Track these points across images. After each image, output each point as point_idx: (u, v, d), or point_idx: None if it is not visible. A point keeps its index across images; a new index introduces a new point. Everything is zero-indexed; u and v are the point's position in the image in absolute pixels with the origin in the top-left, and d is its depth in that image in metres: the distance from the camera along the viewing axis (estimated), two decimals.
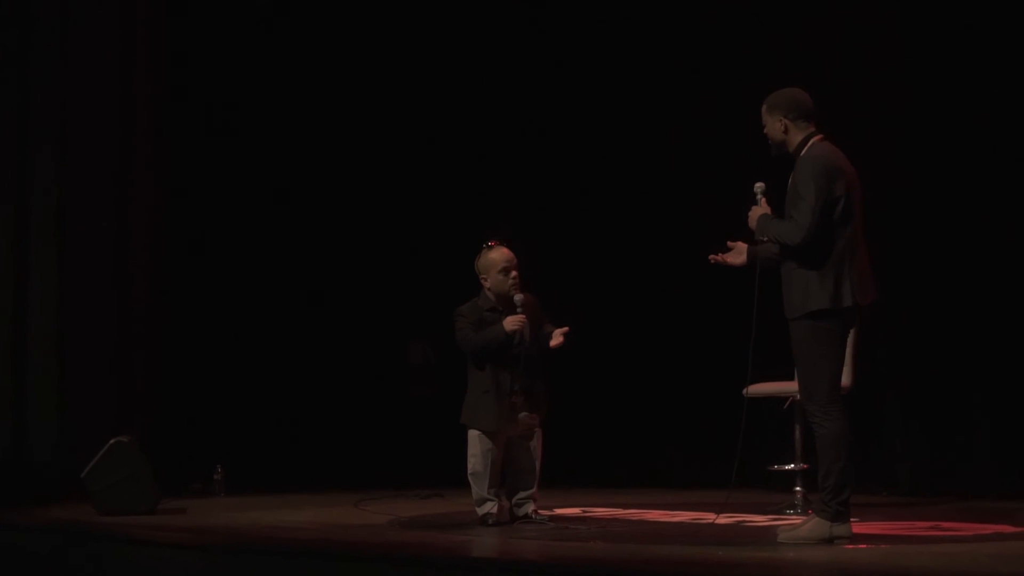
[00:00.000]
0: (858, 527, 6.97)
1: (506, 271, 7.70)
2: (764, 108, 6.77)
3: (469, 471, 7.64)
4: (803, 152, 6.65)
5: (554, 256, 9.94)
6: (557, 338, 7.70)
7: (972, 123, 9.08)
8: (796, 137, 6.68)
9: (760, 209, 6.78)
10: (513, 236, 7.87)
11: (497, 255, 7.74)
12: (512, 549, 6.89)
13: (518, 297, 7.64)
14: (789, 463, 8.24)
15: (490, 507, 7.63)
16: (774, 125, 6.72)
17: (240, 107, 10.60)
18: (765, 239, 6.72)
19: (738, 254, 6.85)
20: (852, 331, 8.22)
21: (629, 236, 10.23)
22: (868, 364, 8.59)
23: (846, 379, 8.31)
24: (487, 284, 7.76)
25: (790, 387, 7.91)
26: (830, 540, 6.50)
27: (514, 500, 7.73)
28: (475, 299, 7.80)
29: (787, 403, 8.19)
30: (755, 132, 6.86)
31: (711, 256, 6.95)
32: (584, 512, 8.34)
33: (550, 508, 8.10)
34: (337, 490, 9.58)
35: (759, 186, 6.82)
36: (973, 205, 9.08)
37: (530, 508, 7.68)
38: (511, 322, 7.59)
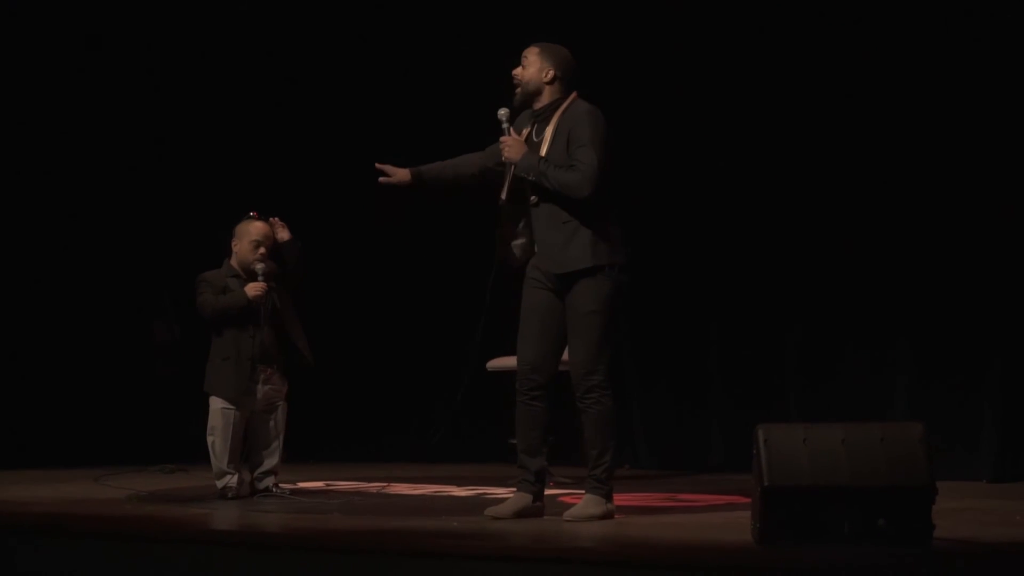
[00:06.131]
0: None
1: (256, 245, 7.67)
2: (536, 50, 6.44)
3: (209, 444, 7.58)
4: (570, 103, 6.40)
5: (302, 232, 9.85)
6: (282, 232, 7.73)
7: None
8: (556, 93, 6.43)
9: (515, 139, 6.38)
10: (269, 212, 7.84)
11: (253, 227, 7.71)
12: (250, 522, 6.83)
13: (260, 266, 7.62)
14: None
15: (229, 480, 7.55)
16: (541, 71, 6.41)
17: None
18: (531, 177, 6.30)
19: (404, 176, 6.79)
20: None
21: (370, 210, 10.09)
22: None
23: None
24: (236, 249, 7.71)
25: None
26: (611, 516, 6.48)
27: (256, 473, 7.68)
28: (220, 269, 7.75)
29: None
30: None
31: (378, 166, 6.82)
32: (328, 485, 8.32)
33: (294, 482, 8.08)
34: (78, 467, 9.35)
35: (503, 112, 6.45)
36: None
37: (271, 482, 7.64)
38: (252, 288, 7.57)
